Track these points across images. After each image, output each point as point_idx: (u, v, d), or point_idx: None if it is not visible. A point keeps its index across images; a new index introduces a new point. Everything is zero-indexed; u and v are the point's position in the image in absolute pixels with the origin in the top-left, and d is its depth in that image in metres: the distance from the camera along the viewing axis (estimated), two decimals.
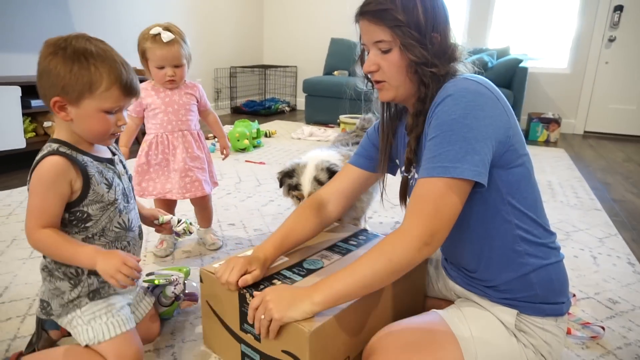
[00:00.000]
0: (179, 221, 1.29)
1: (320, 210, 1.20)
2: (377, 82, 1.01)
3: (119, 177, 1.05)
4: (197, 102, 1.73)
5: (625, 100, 4.72)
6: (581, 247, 1.98)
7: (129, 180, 1.10)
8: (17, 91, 2.63)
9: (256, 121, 3.92)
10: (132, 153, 1.69)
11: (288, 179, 1.56)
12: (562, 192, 2.79)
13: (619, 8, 4.52)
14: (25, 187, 2.44)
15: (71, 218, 0.96)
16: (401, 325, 1.01)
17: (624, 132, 4.80)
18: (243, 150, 3.56)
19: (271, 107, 5.41)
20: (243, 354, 1.08)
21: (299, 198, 1.54)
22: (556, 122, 4.44)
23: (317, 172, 1.51)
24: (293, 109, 5.91)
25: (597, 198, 2.70)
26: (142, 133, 1.71)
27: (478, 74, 0.99)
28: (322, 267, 1.13)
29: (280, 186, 1.60)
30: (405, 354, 0.93)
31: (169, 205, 1.76)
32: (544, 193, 2.70)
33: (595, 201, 2.64)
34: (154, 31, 1.52)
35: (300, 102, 5.79)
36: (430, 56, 0.93)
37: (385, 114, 1.14)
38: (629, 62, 4.63)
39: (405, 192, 1.11)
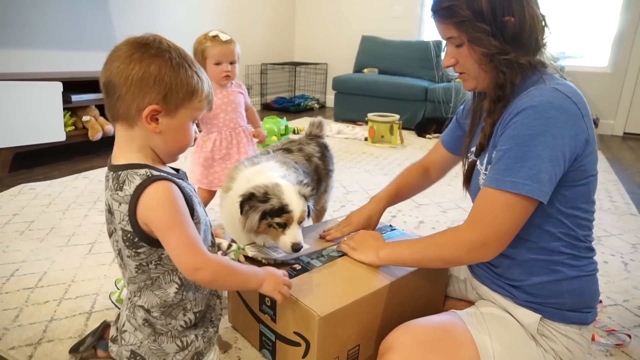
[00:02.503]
0: (229, 246, 1.20)
1: (425, 174, 1.35)
2: (460, 73, 1.02)
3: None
4: (244, 98, 1.95)
5: None
6: (612, 253, 1.92)
7: None
8: (58, 87, 2.77)
9: (284, 118, 3.96)
10: None
11: (260, 204, 1.13)
12: (596, 196, 2.69)
13: None
14: (63, 179, 2.57)
15: None
16: (420, 323, 1.01)
17: None
18: None
19: (300, 104, 5.45)
20: (261, 333, 1.14)
21: (280, 226, 1.14)
22: (594, 123, 4.28)
23: (299, 187, 1.20)
24: (322, 106, 5.93)
25: (633, 202, 2.60)
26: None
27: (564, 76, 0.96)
28: (342, 255, 1.17)
29: (242, 212, 1.16)
30: (423, 352, 0.93)
31: (210, 196, 1.94)
32: None
33: (631, 206, 2.55)
34: (212, 33, 1.77)
35: (330, 99, 5.81)
36: (502, 44, 0.91)
37: (475, 95, 1.13)
38: None
39: (469, 176, 1.08)
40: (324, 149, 1.69)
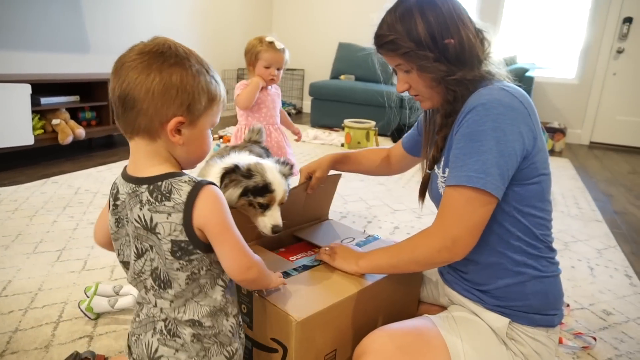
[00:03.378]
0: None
1: (387, 160, 1.39)
2: (415, 95, 1.06)
3: None
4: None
5: (632, 112, 4.71)
6: (579, 258, 1.99)
7: None
8: (27, 89, 2.68)
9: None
10: None
11: (245, 180, 1.09)
12: (564, 203, 2.79)
13: (628, 20, 4.51)
14: (31, 184, 2.49)
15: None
16: (393, 327, 1.02)
17: (630, 143, 4.78)
18: None
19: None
20: None
21: (261, 206, 1.11)
22: (562, 132, 4.43)
23: (280, 166, 1.18)
24: (299, 112, 5.94)
25: (598, 209, 2.70)
26: None
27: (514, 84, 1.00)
28: (319, 264, 1.16)
29: (221, 185, 1.10)
30: (396, 356, 0.94)
31: None
32: None
33: (597, 212, 2.64)
34: (269, 39, 1.94)
35: (307, 105, 5.82)
36: (448, 65, 0.95)
37: (430, 112, 1.17)
38: (636, 74, 4.61)
39: (425, 188, 1.12)
40: (267, 152, 1.69)
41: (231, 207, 1.09)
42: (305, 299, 0.99)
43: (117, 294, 1.40)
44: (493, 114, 0.87)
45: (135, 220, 0.75)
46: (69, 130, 3.00)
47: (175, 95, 0.72)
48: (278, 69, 1.99)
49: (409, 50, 0.95)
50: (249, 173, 1.09)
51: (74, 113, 3.22)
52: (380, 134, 4.24)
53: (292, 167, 1.23)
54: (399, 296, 1.20)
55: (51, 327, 1.29)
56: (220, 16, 5.06)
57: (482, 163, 0.86)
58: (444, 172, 1.01)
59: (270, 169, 1.12)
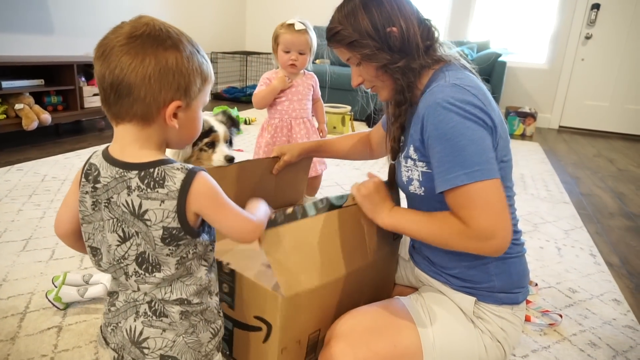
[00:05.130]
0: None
1: (366, 144, 1.40)
2: (371, 88, 1.09)
3: None
4: (313, 91, 1.94)
5: (599, 97, 4.85)
6: (547, 239, 2.05)
7: None
8: None
9: (235, 108, 3.89)
10: None
11: None
12: (534, 185, 2.87)
13: (596, 6, 4.61)
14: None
15: (211, 239, 0.83)
16: (362, 310, 1.04)
17: (597, 127, 4.93)
18: None
19: (252, 94, 5.36)
20: None
21: (211, 145, 1.36)
22: (532, 116, 4.53)
23: (217, 116, 1.44)
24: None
25: (566, 191, 2.79)
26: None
27: (467, 65, 1.02)
28: (340, 206, 1.10)
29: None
30: (366, 337, 0.96)
31: None
32: (516, 186, 2.77)
33: (565, 194, 2.73)
34: (290, 21, 1.78)
35: None
36: (391, 54, 0.97)
37: (387, 105, 1.16)
38: (604, 59, 4.73)
39: (392, 178, 1.13)
40: None
41: (188, 161, 1.22)
42: (292, 275, 0.97)
43: (86, 283, 1.37)
44: (453, 111, 0.88)
45: (123, 204, 0.73)
46: (34, 116, 2.88)
47: (172, 80, 0.71)
48: (301, 53, 1.81)
49: (353, 40, 0.98)
50: None
51: (38, 97, 3.09)
52: (355, 119, 4.24)
53: (229, 116, 1.45)
54: (379, 278, 1.21)
55: (17, 318, 1.25)
56: None
57: (470, 157, 0.86)
58: (406, 162, 1.02)
59: (209, 118, 1.37)
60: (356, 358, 0.93)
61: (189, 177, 0.72)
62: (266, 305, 0.94)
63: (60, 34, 3.47)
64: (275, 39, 1.82)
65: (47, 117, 2.95)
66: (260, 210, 0.86)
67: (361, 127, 4.25)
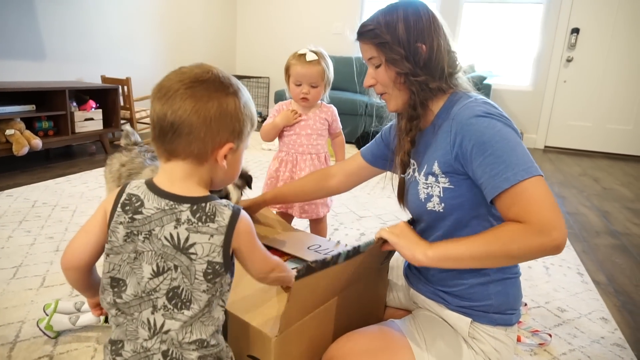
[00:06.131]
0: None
1: (324, 180, 1.41)
2: (380, 94, 1.12)
3: None
4: (329, 125, 1.81)
5: (582, 118, 4.98)
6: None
7: None
8: None
9: None
10: None
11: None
12: None
13: (575, 30, 4.78)
14: None
15: (232, 278, 0.84)
16: (359, 333, 1.05)
17: (582, 147, 5.05)
18: None
19: None
20: None
21: None
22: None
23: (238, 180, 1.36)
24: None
25: None
26: None
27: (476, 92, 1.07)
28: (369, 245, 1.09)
29: None
30: None
31: (288, 219, 1.81)
32: None
33: None
34: (302, 51, 1.67)
35: None
36: (414, 67, 1.02)
37: (399, 119, 1.18)
38: (585, 81, 4.88)
39: (402, 192, 1.16)
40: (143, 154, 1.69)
41: None
42: (277, 310, 1.00)
43: (78, 310, 1.36)
44: (495, 118, 0.93)
45: (166, 237, 0.74)
46: (25, 141, 2.88)
47: (229, 123, 0.77)
48: (313, 86, 1.68)
49: (385, 42, 1.02)
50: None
51: (29, 123, 3.10)
52: (347, 142, 4.29)
53: (243, 175, 1.38)
54: (367, 300, 1.22)
55: (7, 348, 1.24)
56: (182, 22, 5.00)
57: (522, 155, 0.89)
58: (426, 179, 1.04)
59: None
60: None
61: (236, 214, 0.77)
62: (259, 345, 0.95)
63: (51, 59, 3.50)
64: (287, 70, 1.71)
65: (38, 142, 2.96)
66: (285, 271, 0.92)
67: (350, 149, 4.30)
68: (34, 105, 3.14)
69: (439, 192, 1.01)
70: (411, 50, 1.01)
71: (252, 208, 1.44)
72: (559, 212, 0.85)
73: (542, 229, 0.82)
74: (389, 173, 1.34)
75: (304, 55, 1.66)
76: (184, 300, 0.75)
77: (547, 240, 0.82)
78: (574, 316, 1.59)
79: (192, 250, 0.73)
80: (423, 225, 1.10)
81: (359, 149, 4.40)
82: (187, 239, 0.73)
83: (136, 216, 0.75)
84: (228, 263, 0.77)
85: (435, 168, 1.01)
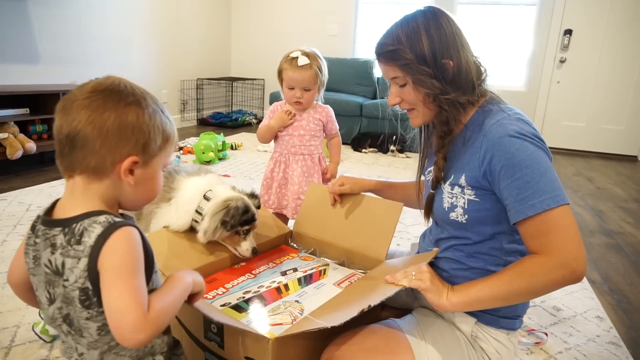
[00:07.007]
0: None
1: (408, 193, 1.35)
2: (407, 110, 1.07)
3: None
4: (324, 126, 1.80)
5: (576, 118, 5.01)
6: None
7: None
8: None
9: (221, 134, 3.92)
10: None
11: (244, 217, 1.24)
12: None
13: (568, 31, 4.82)
14: None
15: None
16: (359, 332, 1.04)
17: (575, 147, 5.08)
18: (208, 162, 3.55)
19: (238, 120, 5.41)
20: None
21: (245, 232, 1.25)
22: None
23: (252, 200, 1.31)
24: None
25: None
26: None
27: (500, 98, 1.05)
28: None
29: (232, 228, 1.22)
30: (361, 359, 0.96)
31: (283, 219, 1.79)
32: None
33: None
34: (293, 54, 1.65)
35: None
36: (443, 84, 0.97)
37: (422, 133, 1.18)
38: (578, 81, 4.92)
39: (430, 207, 1.12)
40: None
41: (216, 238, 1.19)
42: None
43: None
44: (528, 140, 0.90)
45: (45, 264, 0.68)
46: (18, 145, 2.86)
47: (130, 134, 0.69)
48: (306, 90, 1.67)
49: (409, 62, 0.97)
50: (247, 209, 1.23)
51: (23, 126, 3.08)
52: (343, 143, 4.29)
53: (259, 199, 1.34)
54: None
55: (2, 352, 1.23)
56: (177, 25, 4.99)
57: (551, 182, 0.88)
58: (452, 189, 1.02)
59: (250, 203, 1.26)
60: None
61: (108, 231, 0.66)
62: (256, 347, 0.94)
63: (45, 62, 3.48)
64: (279, 74, 1.71)
65: (32, 145, 2.94)
66: (170, 294, 0.73)
67: (346, 150, 4.31)
68: (27, 109, 3.12)
69: (464, 203, 1.00)
70: (438, 68, 0.97)
71: (357, 185, 1.36)
72: (580, 243, 0.85)
73: (563, 262, 0.84)
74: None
75: (295, 59, 1.64)
76: (77, 329, 0.70)
77: (568, 272, 0.83)
78: (569, 315, 1.60)
79: (64, 276, 0.67)
80: (446, 234, 1.08)
81: (354, 150, 4.42)
82: (63, 265, 0.67)
83: (37, 239, 0.71)
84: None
85: (462, 181, 0.99)
